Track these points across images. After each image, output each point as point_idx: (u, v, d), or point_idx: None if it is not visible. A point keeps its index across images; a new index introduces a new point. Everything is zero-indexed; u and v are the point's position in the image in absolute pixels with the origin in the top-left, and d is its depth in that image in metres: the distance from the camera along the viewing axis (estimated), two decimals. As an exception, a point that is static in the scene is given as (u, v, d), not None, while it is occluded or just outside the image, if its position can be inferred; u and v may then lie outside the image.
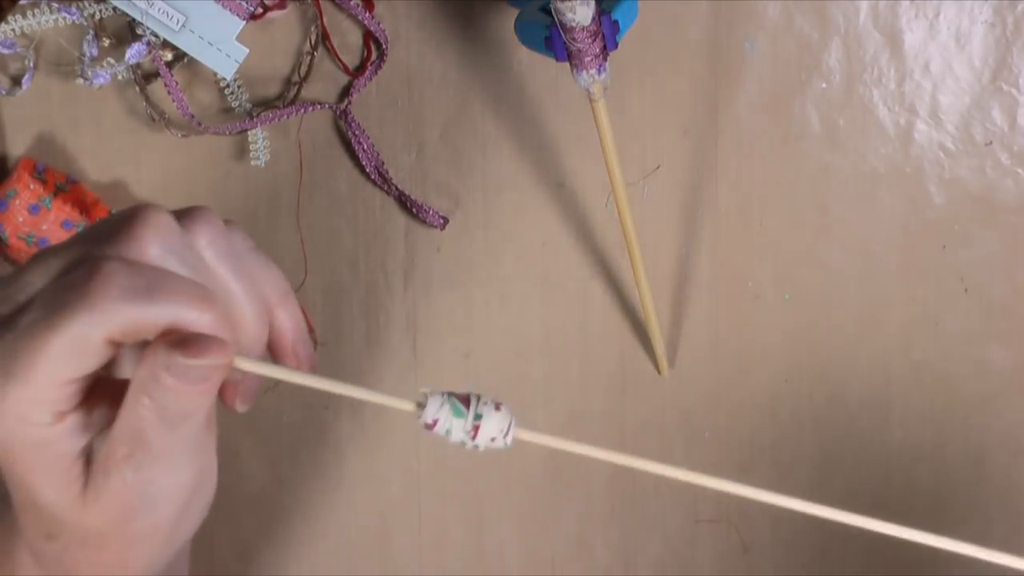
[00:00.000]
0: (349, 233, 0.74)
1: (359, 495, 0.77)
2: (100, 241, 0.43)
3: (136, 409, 0.43)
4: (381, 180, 0.74)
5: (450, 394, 0.46)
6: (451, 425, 0.45)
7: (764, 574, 0.77)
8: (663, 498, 0.77)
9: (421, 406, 0.46)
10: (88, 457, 0.44)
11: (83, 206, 0.72)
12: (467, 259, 0.75)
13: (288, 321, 0.49)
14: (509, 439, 0.46)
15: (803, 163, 0.74)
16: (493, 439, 0.46)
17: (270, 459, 0.76)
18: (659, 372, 0.76)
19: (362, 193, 0.74)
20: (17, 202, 0.70)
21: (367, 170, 0.73)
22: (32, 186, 0.70)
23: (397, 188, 0.74)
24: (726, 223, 0.75)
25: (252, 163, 0.72)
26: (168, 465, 0.44)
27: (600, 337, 0.76)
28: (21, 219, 0.70)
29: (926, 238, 0.75)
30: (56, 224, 0.70)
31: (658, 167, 0.74)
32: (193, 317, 0.43)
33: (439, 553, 0.77)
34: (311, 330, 0.75)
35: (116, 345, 0.42)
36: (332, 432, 0.76)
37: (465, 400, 0.46)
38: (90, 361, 0.42)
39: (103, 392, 0.45)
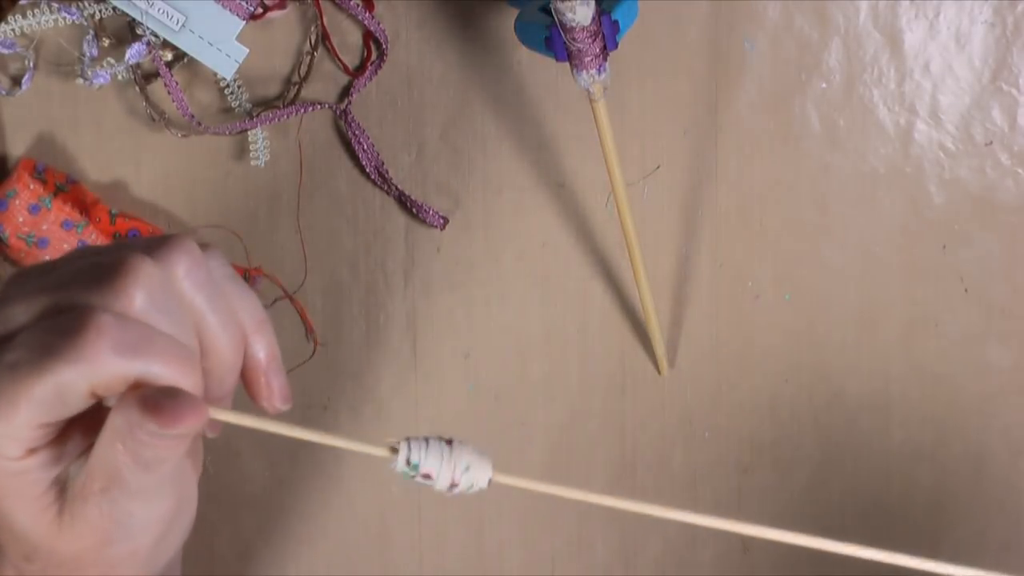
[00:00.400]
0: (349, 233, 0.74)
1: (359, 495, 0.77)
2: (88, 288, 0.44)
3: (110, 452, 0.43)
4: (381, 180, 0.74)
5: (423, 438, 0.46)
6: (428, 463, 0.46)
7: (764, 574, 0.77)
8: (663, 498, 0.77)
9: (394, 451, 0.46)
10: (64, 485, 0.44)
11: (83, 206, 0.72)
12: (467, 259, 0.75)
13: (263, 350, 0.49)
14: (485, 480, 0.46)
15: (803, 163, 0.74)
16: (474, 484, 0.46)
17: (270, 459, 0.76)
18: (659, 372, 0.76)
19: (362, 193, 0.74)
20: (17, 202, 0.70)
21: (367, 170, 0.73)
22: (32, 186, 0.70)
23: (397, 188, 0.74)
24: (726, 223, 0.75)
25: (252, 163, 0.72)
26: (145, 499, 0.44)
27: (600, 337, 0.76)
28: (21, 219, 0.70)
29: (926, 238, 0.75)
30: (56, 224, 0.70)
31: (658, 167, 0.74)
32: (174, 378, 0.43)
33: (439, 553, 0.77)
34: (311, 330, 0.75)
35: (97, 396, 0.43)
36: (332, 432, 0.76)
37: (444, 442, 0.46)
38: (69, 408, 0.43)
39: (78, 421, 0.45)
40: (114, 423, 0.43)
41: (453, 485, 0.45)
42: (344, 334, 0.75)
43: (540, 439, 0.76)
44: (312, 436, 0.46)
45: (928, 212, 0.75)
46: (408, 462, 0.45)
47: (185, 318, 0.45)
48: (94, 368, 0.42)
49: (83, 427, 0.45)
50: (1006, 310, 0.75)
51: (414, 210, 0.74)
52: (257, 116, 0.72)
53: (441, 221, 0.74)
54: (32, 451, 0.43)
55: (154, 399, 0.42)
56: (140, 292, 0.44)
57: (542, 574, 0.77)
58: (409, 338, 0.75)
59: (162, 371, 0.43)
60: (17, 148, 0.73)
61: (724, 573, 0.77)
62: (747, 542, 0.77)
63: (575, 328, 0.76)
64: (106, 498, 0.44)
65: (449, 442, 0.46)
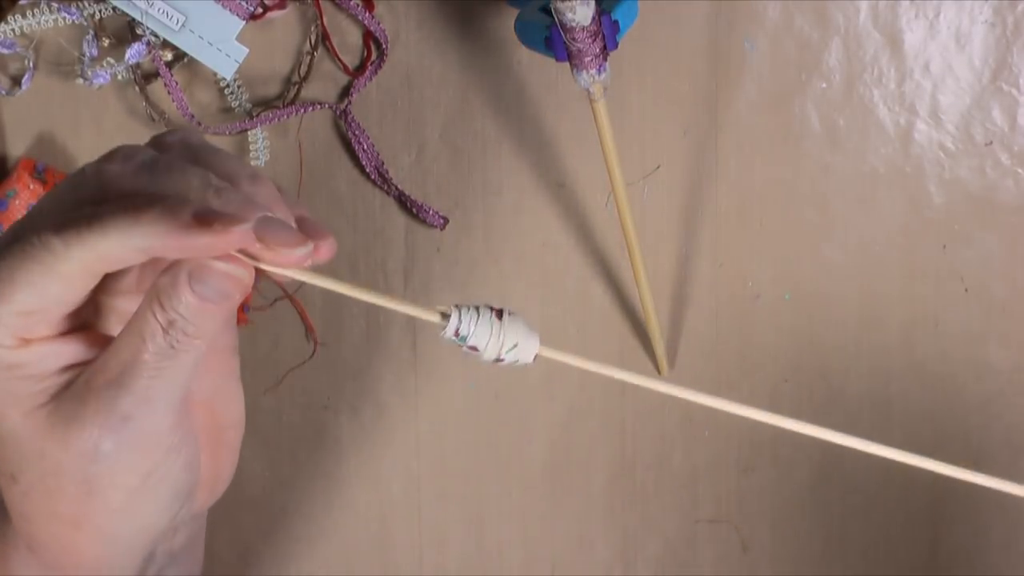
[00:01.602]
0: (349, 233, 0.74)
1: (359, 495, 0.77)
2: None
3: (140, 323, 0.42)
4: (381, 180, 0.74)
5: (475, 306, 0.45)
6: (477, 332, 0.45)
7: (764, 574, 0.77)
8: (663, 498, 0.77)
9: (446, 316, 0.45)
10: (63, 387, 0.43)
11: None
12: (467, 259, 0.75)
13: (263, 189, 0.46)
14: (534, 356, 0.45)
15: (803, 163, 0.74)
16: (518, 360, 0.45)
17: (270, 460, 0.76)
18: (659, 372, 0.76)
19: (362, 193, 0.74)
20: (17, 202, 0.70)
21: (367, 170, 0.73)
22: (32, 186, 0.70)
23: (397, 188, 0.74)
24: (726, 223, 0.75)
25: (252, 163, 0.72)
26: (145, 411, 0.43)
27: (600, 337, 0.76)
28: (21, 219, 0.70)
29: (926, 238, 0.75)
30: (56, 224, 0.70)
31: (658, 167, 0.74)
32: (174, 241, 0.41)
33: (439, 553, 0.77)
34: (311, 330, 0.75)
35: (98, 274, 0.42)
36: (332, 432, 0.76)
37: (497, 312, 0.45)
38: (63, 293, 0.42)
39: (89, 338, 0.44)
40: (158, 283, 0.42)
41: (499, 359, 0.45)
42: (344, 334, 0.75)
43: (540, 438, 0.76)
44: (361, 294, 0.46)
45: (928, 212, 0.75)
46: (457, 332, 0.44)
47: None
48: (93, 239, 0.41)
49: (90, 341, 0.45)
50: (1006, 310, 0.75)
51: (414, 210, 0.74)
52: (257, 116, 0.72)
53: (441, 221, 0.74)
54: (26, 341, 0.43)
55: (202, 211, 0.41)
56: (120, 159, 0.43)
57: (542, 574, 0.77)
58: (409, 338, 0.75)
59: (154, 231, 0.41)
60: (17, 148, 0.73)
61: (724, 573, 0.77)
62: (747, 542, 0.77)
63: (575, 328, 0.76)
64: (108, 392, 0.43)
65: (500, 313, 0.45)
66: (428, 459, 0.76)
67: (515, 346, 0.45)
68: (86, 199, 0.43)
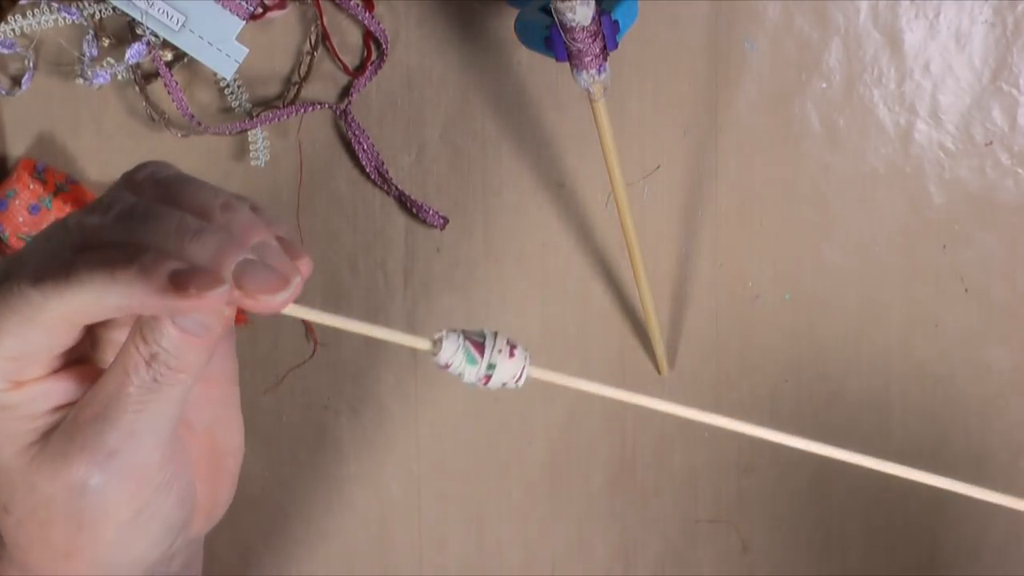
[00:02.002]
0: (349, 233, 0.74)
1: (359, 496, 0.77)
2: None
3: (124, 357, 0.42)
4: (381, 180, 0.73)
5: (466, 336, 0.46)
6: (463, 370, 0.46)
7: (764, 574, 0.77)
8: (663, 498, 0.77)
9: (437, 345, 0.46)
10: (51, 428, 0.44)
11: (83, 206, 0.72)
12: (467, 259, 0.75)
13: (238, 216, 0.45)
14: (521, 382, 0.46)
15: (803, 163, 0.74)
16: (504, 384, 0.46)
17: (270, 460, 0.76)
18: (659, 372, 0.76)
19: (362, 193, 0.74)
20: (17, 202, 0.70)
21: (367, 170, 0.73)
22: (32, 186, 0.70)
23: (397, 188, 0.74)
24: (726, 223, 0.75)
25: (252, 163, 0.72)
26: (132, 446, 0.43)
27: (600, 337, 0.76)
28: (21, 219, 0.70)
29: (926, 238, 0.75)
30: (56, 224, 0.70)
31: (658, 167, 0.74)
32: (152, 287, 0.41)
33: (439, 553, 0.77)
34: (311, 330, 0.75)
35: (80, 324, 0.42)
36: (332, 433, 0.76)
37: (479, 347, 0.46)
38: (51, 339, 0.42)
39: (84, 373, 0.44)
40: (141, 317, 0.43)
41: (498, 384, 0.46)
42: (344, 334, 0.75)
43: (540, 439, 0.76)
44: (350, 325, 0.46)
45: (928, 212, 0.75)
46: (448, 365, 0.45)
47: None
48: (71, 293, 0.41)
49: (81, 378, 0.45)
50: (1006, 310, 0.75)
51: (414, 210, 0.74)
52: (257, 116, 0.72)
53: (441, 221, 0.74)
54: (18, 384, 0.43)
55: (177, 274, 0.41)
56: (109, 208, 0.43)
57: (542, 574, 0.77)
58: (409, 338, 0.75)
59: (135, 284, 0.41)
60: (17, 148, 0.73)
61: (724, 573, 0.77)
62: (747, 542, 0.77)
63: (575, 328, 0.76)
64: (93, 429, 0.43)
65: (485, 343, 0.45)
66: (428, 459, 0.76)
67: (503, 384, 0.46)
68: (67, 247, 0.43)
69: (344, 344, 0.75)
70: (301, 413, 0.75)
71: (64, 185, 0.72)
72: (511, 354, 0.46)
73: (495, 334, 0.46)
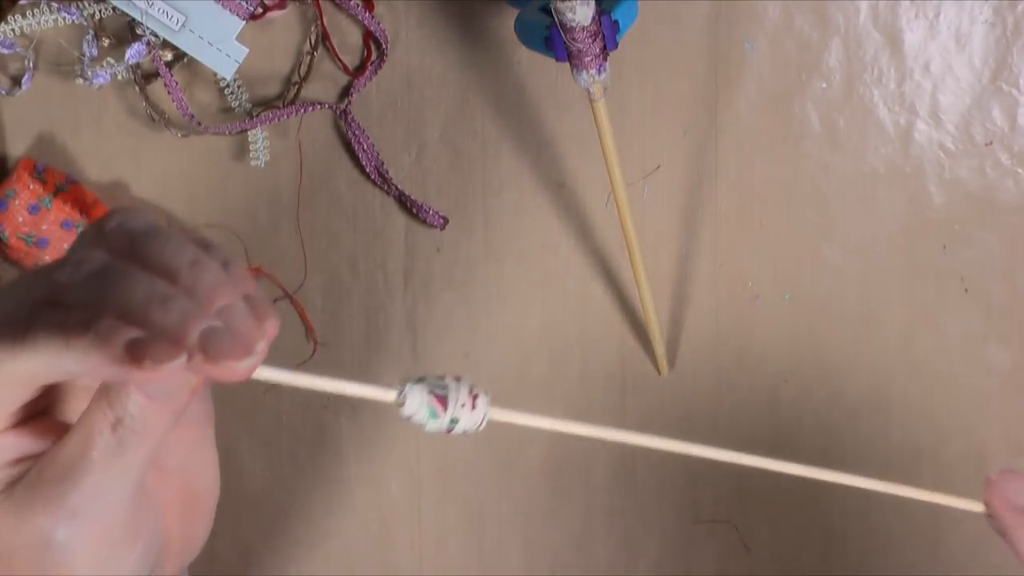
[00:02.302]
0: (349, 233, 0.74)
1: (359, 496, 0.77)
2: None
3: (89, 419, 0.42)
4: (381, 180, 0.73)
5: (430, 390, 0.46)
6: (427, 423, 0.46)
7: (765, 574, 0.77)
8: (663, 498, 0.77)
9: (401, 397, 0.46)
10: (14, 480, 0.43)
11: (83, 206, 0.72)
12: (467, 259, 0.75)
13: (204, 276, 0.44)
14: (482, 427, 0.47)
15: (803, 163, 0.74)
16: (465, 431, 0.46)
17: (269, 460, 0.76)
18: (659, 372, 0.76)
19: (362, 193, 0.74)
20: (17, 202, 0.70)
21: (367, 170, 0.73)
22: (32, 186, 0.70)
23: (397, 188, 0.74)
24: (726, 223, 0.75)
25: (252, 163, 0.72)
26: (96, 506, 0.43)
27: (600, 337, 0.76)
28: (21, 219, 0.70)
29: (926, 238, 0.75)
30: (56, 224, 0.70)
31: (658, 167, 0.74)
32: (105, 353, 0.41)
33: (439, 553, 0.77)
34: (311, 330, 0.75)
35: (42, 384, 0.42)
36: (332, 432, 0.76)
37: (443, 401, 0.46)
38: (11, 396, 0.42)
39: (46, 427, 0.44)
40: (105, 387, 0.42)
41: (460, 433, 0.46)
42: (344, 334, 0.75)
43: (540, 439, 0.76)
44: (316, 384, 0.46)
45: (928, 212, 0.75)
46: (410, 417, 0.46)
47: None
48: (25, 357, 0.41)
49: (52, 427, 0.45)
50: (1006, 310, 0.75)
51: (414, 210, 0.74)
52: (257, 116, 0.72)
53: (441, 221, 0.74)
54: None
55: (134, 345, 0.41)
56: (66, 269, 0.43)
57: (542, 574, 0.77)
58: (409, 338, 0.75)
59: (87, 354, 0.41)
60: (17, 148, 0.73)
61: (724, 573, 0.77)
62: (747, 542, 0.77)
63: (575, 328, 0.76)
64: (56, 490, 0.43)
65: (449, 399, 0.46)
66: (428, 460, 0.76)
67: (464, 431, 0.47)
68: (30, 302, 0.43)
69: (344, 344, 0.75)
70: (301, 413, 0.75)
71: (64, 185, 0.72)
72: (473, 406, 0.46)
73: (458, 384, 0.46)
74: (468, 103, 0.74)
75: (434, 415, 0.46)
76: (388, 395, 0.47)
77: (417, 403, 0.46)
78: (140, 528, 0.46)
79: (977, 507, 0.53)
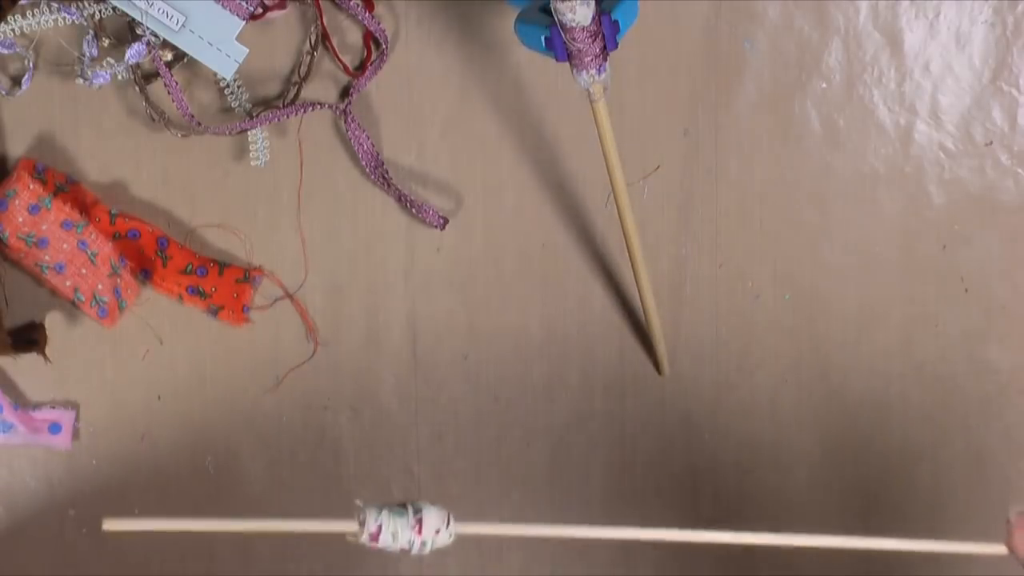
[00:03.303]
0: (349, 233, 0.74)
1: (359, 496, 0.76)
2: None
3: None
4: (381, 180, 0.73)
5: (394, 538, 0.49)
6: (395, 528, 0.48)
7: (764, 574, 0.77)
8: (663, 498, 0.77)
9: (362, 528, 0.48)
10: None
11: (83, 206, 0.72)
12: (467, 259, 0.75)
13: None
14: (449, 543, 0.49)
15: (803, 163, 0.74)
16: (437, 531, 0.48)
17: (270, 460, 0.76)
18: (659, 372, 0.76)
19: (362, 193, 0.74)
20: (17, 202, 0.70)
21: (367, 170, 0.73)
22: (32, 186, 0.70)
23: (397, 188, 0.74)
24: (726, 223, 0.75)
25: (252, 163, 0.72)
26: None
27: (600, 337, 0.76)
28: (21, 219, 0.70)
29: (926, 238, 0.75)
30: (56, 224, 0.70)
31: (658, 167, 0.74)
32: None
33: (439, 553, 0.77)
34: (311, 330, 0.75)
35: None
36: (331, 433, 0.76)
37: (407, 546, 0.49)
38: None
39: None
40: None
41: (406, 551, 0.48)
42: (344, 334, 0.75)
43: (540, 439, 0.76)
44: (270, 526, 0.48)
45: (928, 212, 0.75)
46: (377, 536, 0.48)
47: None
48: None
49: None
50: (1006, 310, 0.75)
51: (414, 210, 0.74)
52: (257, 116, 0.72)
53: (441, 221, 0.74)
54: None
55: None
56: None
57: (542, 574, 0.77)
58: (409, 338, 0.75)
59: None
60: (17, 148, 0.73)
61: (724, 573, 0.77)
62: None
63: (575, 328, 0.76)
64: None
65: (412, 547, 0.48)
66: (428, 460, 0.76)
67: (422, 545, 0.49)
68: None
69: (344, 344, 0.75)
70: (301, 413, 0.75)
71: (64, 185, 0.72)
72: (436, 532, 0.49)
73: (420, 522, 0.48)
74: (468, 103, 0.74)
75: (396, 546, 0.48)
76: (351, 526, 0.49)
77: (385, 540, 0.48)
78: None
79: (1000, 550, 0.54)
